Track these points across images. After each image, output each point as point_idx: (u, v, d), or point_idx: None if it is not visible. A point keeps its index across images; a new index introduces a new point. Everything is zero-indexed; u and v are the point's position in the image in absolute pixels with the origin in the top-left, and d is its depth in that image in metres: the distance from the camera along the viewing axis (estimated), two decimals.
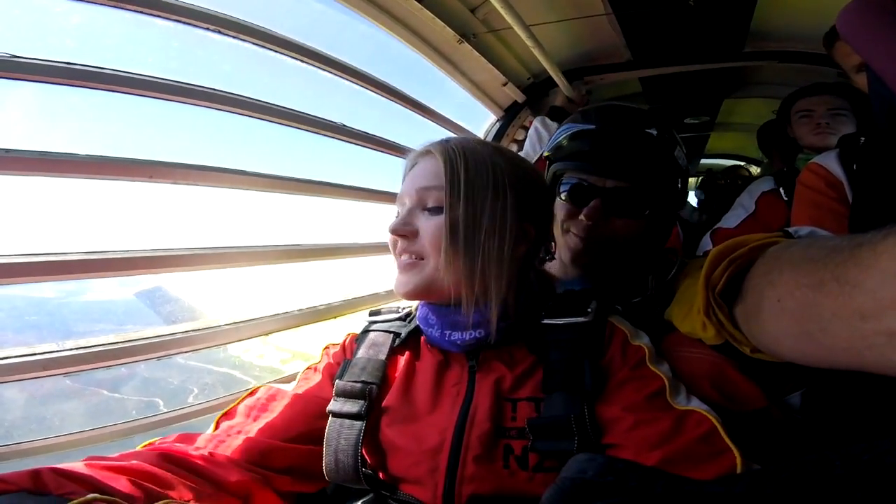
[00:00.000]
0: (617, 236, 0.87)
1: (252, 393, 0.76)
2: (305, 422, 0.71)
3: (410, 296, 0.71)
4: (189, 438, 0.67)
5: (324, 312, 1.25)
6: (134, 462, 0.56)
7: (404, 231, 0.70)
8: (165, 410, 0.96)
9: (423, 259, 0.70)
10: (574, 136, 0.90)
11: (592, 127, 0.89)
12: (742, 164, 3.32)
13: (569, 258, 0.92)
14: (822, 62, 1.42)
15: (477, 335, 0.68)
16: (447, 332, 0.70)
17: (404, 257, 0.71)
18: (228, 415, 0.73)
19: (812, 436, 0.72)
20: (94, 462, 0.54)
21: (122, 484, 0.52)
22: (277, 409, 0.72)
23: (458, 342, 0.69)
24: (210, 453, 0.63)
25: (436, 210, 0.69)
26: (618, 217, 0.86)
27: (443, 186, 0.68)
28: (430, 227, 0.69)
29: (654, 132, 0.87)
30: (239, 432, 0.68)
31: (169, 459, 0.60)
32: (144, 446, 0.64)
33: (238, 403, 0.74)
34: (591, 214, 0.85)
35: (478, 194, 0.67)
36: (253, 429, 0.68)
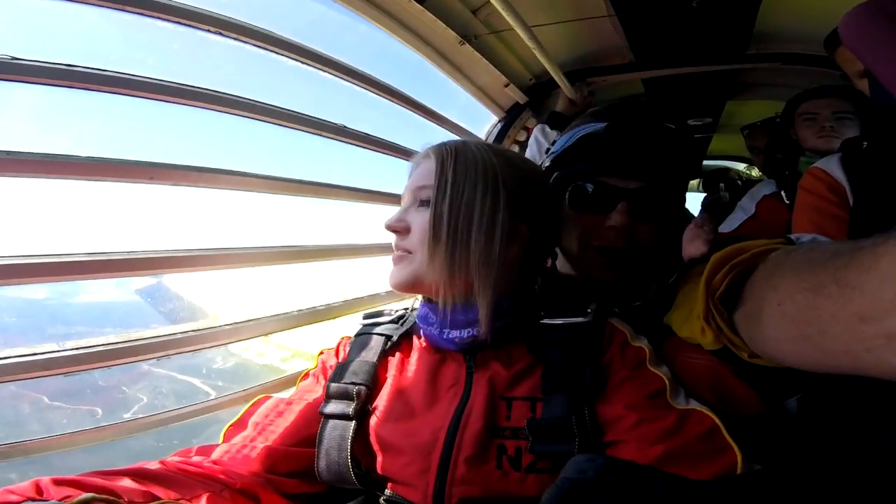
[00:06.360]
0: (640, 244, 0.79)
1: (257, 404, 0.78)
2: (307, 426, 0.73)
3: (399, 287, 0.73)
4: (206, 450, 0.70)
5: (324, 313, 1.26)
6: (138, 466, 0.59)
7: (397, 226, 0.73)
8: (169, 408, 0.97)
9: (411, 253, 0.71)
10: (585, 137, 0.82)
11: (604, 125, 0.80)
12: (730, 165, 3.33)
13: (598, 275, 0.82)
14: (826, 65, 1.41)
15: (474, 333, 0.69)
16: (445, 331, 0.71)
17: (397, 251, 0.74)
18: (238, 425, 0.75)
19: (808, 440, 0.72)
20: (100, 471, 0.56)
21: (124, 483, 0.54)
22: (283, 420, 0.74)
23: (456, 340, 0.70)
24: (225, 462, 0.67)
25: (427, 205, 0.70)
26: (642, 221, 0.78)
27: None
28: (419, 221, 0.71)
29: (672, 126, 0.81)
30: (250, 444, 0.70)
31: (178, 468, 0.63)
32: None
33: (247, 415, 0.76)
34: (622, 219, 0.77)
35: (464, 191, 0.68)
36: (263, 440, 0.71)
